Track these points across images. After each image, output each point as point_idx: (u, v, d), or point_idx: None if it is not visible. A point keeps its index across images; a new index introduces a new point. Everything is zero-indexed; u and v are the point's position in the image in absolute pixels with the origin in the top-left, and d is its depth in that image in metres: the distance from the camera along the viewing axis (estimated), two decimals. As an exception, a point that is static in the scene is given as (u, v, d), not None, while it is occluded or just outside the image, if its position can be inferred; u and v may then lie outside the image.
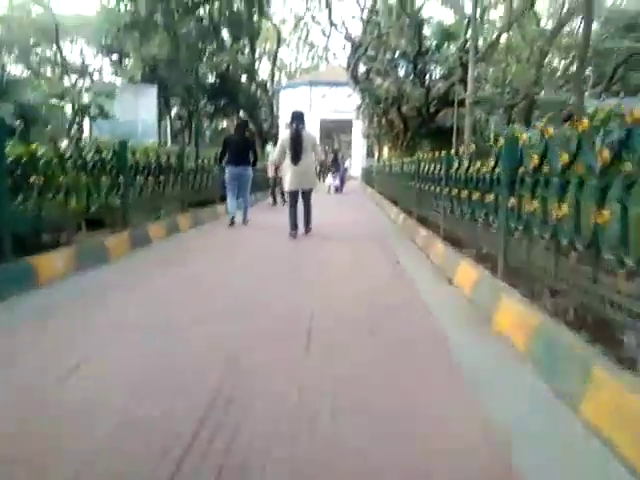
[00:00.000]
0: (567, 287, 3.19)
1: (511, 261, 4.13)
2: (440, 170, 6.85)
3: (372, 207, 14.54)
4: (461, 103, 24.73)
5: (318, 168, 8.47)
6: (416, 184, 8.76)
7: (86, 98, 14.11)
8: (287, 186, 7.53)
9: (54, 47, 25.27)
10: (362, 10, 29.52)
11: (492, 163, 4.66)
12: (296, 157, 7.16)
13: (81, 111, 13.30)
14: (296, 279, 4.93)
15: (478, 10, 28.18)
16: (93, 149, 6.21)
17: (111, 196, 6.59)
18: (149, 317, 3.56)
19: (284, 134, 7.67)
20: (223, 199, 10.18)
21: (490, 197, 4.62)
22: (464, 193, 5.53)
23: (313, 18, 28.01)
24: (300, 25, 36.14)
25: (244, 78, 23.56)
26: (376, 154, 35.12)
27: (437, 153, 7.24)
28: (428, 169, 7.72)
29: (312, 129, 38.18)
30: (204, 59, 17.98)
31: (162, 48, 16.50)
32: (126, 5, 17.73)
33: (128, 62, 17.49)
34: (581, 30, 32.04)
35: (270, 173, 12.68)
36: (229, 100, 19.21)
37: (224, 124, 30.30)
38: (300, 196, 7.54)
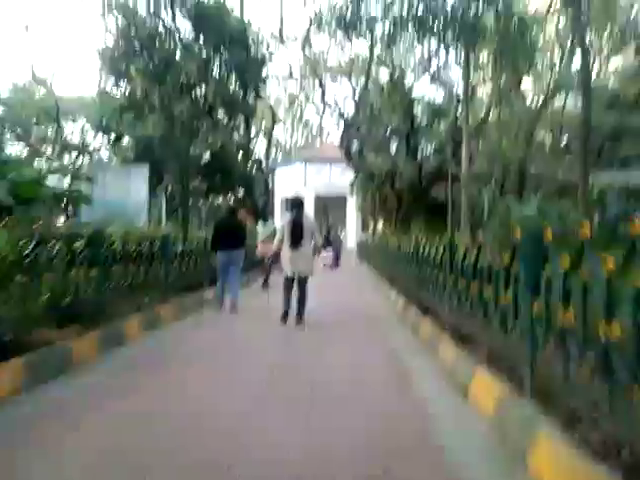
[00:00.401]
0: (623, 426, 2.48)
1: (541, 376, 3.43)
2: (442, 256, 6.29)
3: (369, 287, 13.88)
4: (454, 178, 24.90)
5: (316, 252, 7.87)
6: (416, 268, 8.19)
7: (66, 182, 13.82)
8: (284, 272, 7.44)
9: (55, 126, 25.61)
10: (354, 90, 30.42)
11: (507, 257, 4.05)
12: (295, 243, 7.09)
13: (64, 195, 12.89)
14: (285, 411, 3.85)
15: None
16: (61, 240, 5.61)
17: (83, 289, 5.95)
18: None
19: (284, 219, 7.69)
20: (213, 282, 9.75)
21: (507, 296, 3.99)
22: (474, 287, 4.91)
23: (307, 98, 28.81)
24: (295, 104, 37.23)
25: (239, 156, 23.65)
26: (371, 228, 35.02)
27: (437, 237, 6.77)
28: (429, 253, 7.17)
29: (307, 205, 38.56)
30: (198, 138, 17.98)
31: (156, 128, 16.48)
32: (123, 88, 18.02)
33: (123, 141, 17.49)
34: (567, 106, 33.10)
35: (260, 253, 12.11)
36: (223, 178, 19.05)
37: (220, 200, 30.21)
38: (296, 282, 7.35)
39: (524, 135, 29.03)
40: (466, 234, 15.00)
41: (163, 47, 17.90)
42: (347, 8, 16.92)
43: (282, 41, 26.51)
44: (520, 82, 25.80)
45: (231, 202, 24.74)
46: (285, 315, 7.28)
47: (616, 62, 31.88)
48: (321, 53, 29.93)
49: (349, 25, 16.34)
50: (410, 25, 15.81)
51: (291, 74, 28.79)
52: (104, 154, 21.67)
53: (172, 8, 17.45)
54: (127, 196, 14.32)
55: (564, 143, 33.99)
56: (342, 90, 30.52)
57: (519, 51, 15.85)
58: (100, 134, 20.12)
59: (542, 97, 30.64)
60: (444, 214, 29.00)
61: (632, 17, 24.10)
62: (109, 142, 19.64)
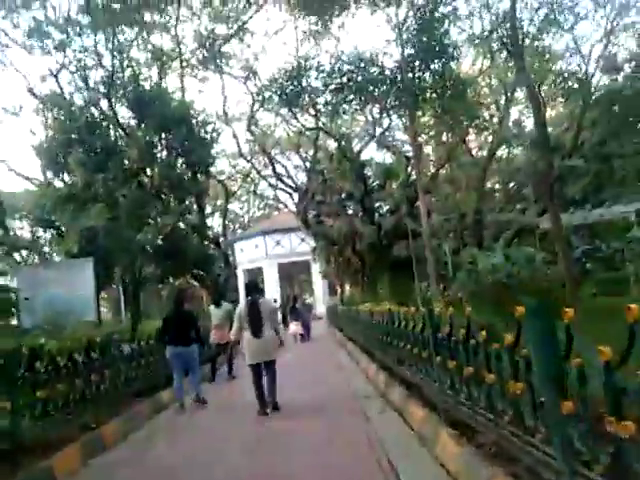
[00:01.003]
0: None
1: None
2: (424, 331, 5.47)
3: (345, 361, 12.80)
4: (414, 234, 24.74)
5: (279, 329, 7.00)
6: (394, 341, 7.35)
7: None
8: (248, 360, 6.99)
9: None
10: (304, 160, 30.55)
11: (510, 338, 3.27)
12: (256, 330, 6.74)
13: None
14: None
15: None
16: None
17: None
18: None
19: (240, 307, 7.32)
20: (170, 381, 8.61)
21: (517, 384, 3.18)
22: (468, 370, 4.10)
23: (259, 173, 28.57)
24: (247, 179, 37.11)
25: (194, 236, 22.78)
26: (338, 291, 34.23)
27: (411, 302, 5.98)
28: (406, 326, 6.35)
29: (271, 275, 37.72)
30: (148, 224, 17.08)
31: (99, 218, 15.53)
32: (62, 179, 17.14)
33: (68, 236, 16.39)
34: (509, 155, 34.25)
35: (214, 339, 10.71)
36: (177, 260, 18.04)
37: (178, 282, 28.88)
38: (263, 367, 7.04)
39: (475, 186, 29.60)
40: (436, 289, 14.37)
41: (103, 135, 17.33)
42: (288, 82, 16.98)
43: (227, 122, 26.56)
44: (465, 137, 26.50)
45: (181, 286, 23.63)
46: (262, 406, 6.95)
47: (553, 110, 33.64)
48: (268, 127, 30.25)
49: (291, 100, 16.27)
50: (351, 95, 15.87)
51: (240, 153, 28.68)
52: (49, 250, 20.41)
53: (108, 96, 16.99)
54: (73, 292, 13.11)
55: (513, 190, 34.88)
56: (293, 162, 30.47)
57: (460, 108, 16.07)
58: (43, 230, 18.96)
59: (487, 150, 31.76)
60: (407, 270, 28.65)
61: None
62: (51, 237, 18.49)
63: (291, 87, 16.19)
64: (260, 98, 18.40)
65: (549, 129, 33.56)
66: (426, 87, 15.38)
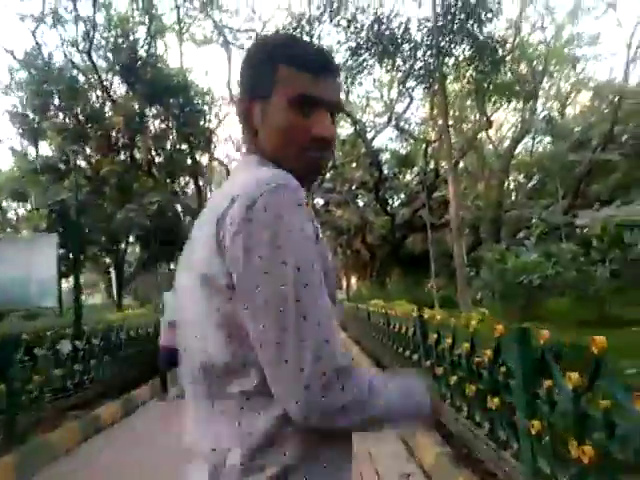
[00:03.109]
0: None
1: None
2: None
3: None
4: (433, 227, 22.58)
5: None
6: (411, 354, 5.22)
7: None
8: None
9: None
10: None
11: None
12: None
13: None
14: None
15: (433, 135, 27.51)
16: None
17: None
18: None
19: None
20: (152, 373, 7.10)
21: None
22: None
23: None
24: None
25: (187, 220, 20.67)
26: (344, 285, 32.14)
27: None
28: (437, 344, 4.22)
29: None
30: (132, 201, 14.93)
31: (74, 191, 13.40)
32: (37, 148, 15.11)
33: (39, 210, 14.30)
34: (533, 147, 31.77)
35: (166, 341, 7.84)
36: (167, 244, 15.91)
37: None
38: None
39: (497, 178, 27.27)
40: (466, 292, 12.12)
41: (84, 100, 15.18)
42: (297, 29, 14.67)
43: (232, 99, 24.35)
44: (490, 121, 24.11)
45: None
46: None
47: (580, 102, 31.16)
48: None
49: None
50: (371, 58, 13.60)
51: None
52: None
53: (89, 54, 14.78)
54: (29, 275, 10.98)
55: (533, 184, 32.45)
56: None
57: (497, 76, 13.63)
58: (16, 204, 16.96)
59: (510, 140, 29.37)
60: (420, 265, 26.48)
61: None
62: (20, 211, 16.54)
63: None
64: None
65: (578, 121, 31.13)
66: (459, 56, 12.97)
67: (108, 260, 19.14)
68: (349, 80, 14.80)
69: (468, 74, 12.79)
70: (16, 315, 10.05)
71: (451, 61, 12.90)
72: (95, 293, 38.05)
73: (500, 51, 12.19)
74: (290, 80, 0.85)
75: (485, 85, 12.74)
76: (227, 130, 60.02)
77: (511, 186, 32.83)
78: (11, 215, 17.86)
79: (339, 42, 13.19)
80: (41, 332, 7.17)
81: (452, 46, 12.21)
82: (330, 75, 0.87)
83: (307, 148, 0.85)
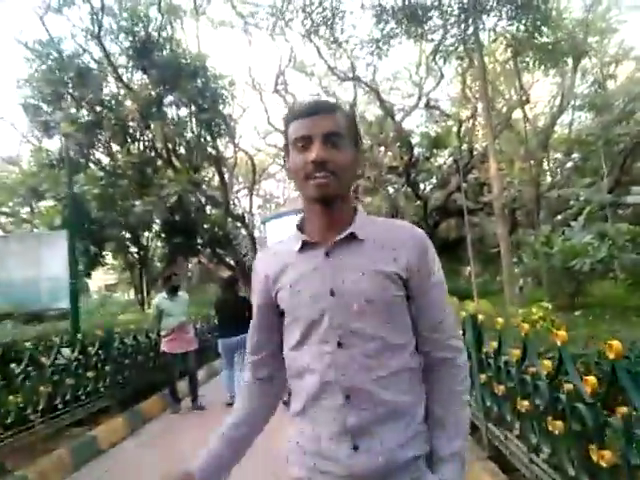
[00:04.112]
0: None
1: None
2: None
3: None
4: (468, 211, 21.10)
5: None
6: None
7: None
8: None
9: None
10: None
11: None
12: None
13: None
14: None
15: (466, 113, 25.89)
16: None
17: None
18: None
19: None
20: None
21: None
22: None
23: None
24: (279, 155, 33.97)
25: (213, 212, 19.79)
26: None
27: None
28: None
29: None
30: (152, 192, 14.05)
31: (91, 184, 12.63)
32: (52, 142, 14.34)
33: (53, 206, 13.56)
34: (576, 123, 29.65)
35: (169, 347, 6.84)
36: (188, 237, 15.03)
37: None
38: None
39: (535, 157, 25.44)
40: (514, 281, 10.80)
41: (97, 87, 14.35)
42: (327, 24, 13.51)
43: (254, 86, 23.34)
44: (528, 100, 22.30)
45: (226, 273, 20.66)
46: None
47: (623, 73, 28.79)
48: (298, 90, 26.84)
49: (318, 26, 12.77)
50: (398, 27, 12.27)
51: (269, 121, 25.39)
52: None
53: (99, 37, 13.83)
54: (38, 274, 10.22)
55: (573, 162, 30.33)
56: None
57: (535, 48, 12.06)
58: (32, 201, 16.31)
59: (547, 117, 27.43)
60: (458, 255, 25.06)
61: None
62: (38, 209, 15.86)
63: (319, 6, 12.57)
64: (282, 22, 14.71)
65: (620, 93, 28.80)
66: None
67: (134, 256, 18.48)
68: (375, 53, 13.52)
69: (509, 35, 11.31)
70: (15, 318, 9.27)
71: (489, 22, 11.43)
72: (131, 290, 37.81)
73: (543, 7, 10.65)
74: (290, 132, 1.19)
75: (527, 47, 11.21)
76: (251, 120, 59.37)
77: (549, 165, 30.81)
78: (24, 213, 17.26)
79: (362, 6, 11.87)
80: (32, 339, 6.29)
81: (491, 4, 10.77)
82: (315, 114, 1.16)
83: (307, 174, 1.15)
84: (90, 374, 5.87)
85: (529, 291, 15.49)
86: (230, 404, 6.39)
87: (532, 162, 25.23)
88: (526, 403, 2.79)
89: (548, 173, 30.10)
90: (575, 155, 29.37)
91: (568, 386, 2.29)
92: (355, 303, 1.14)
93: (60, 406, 5.19)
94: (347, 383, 1.13)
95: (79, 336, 6.41)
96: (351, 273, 1.15)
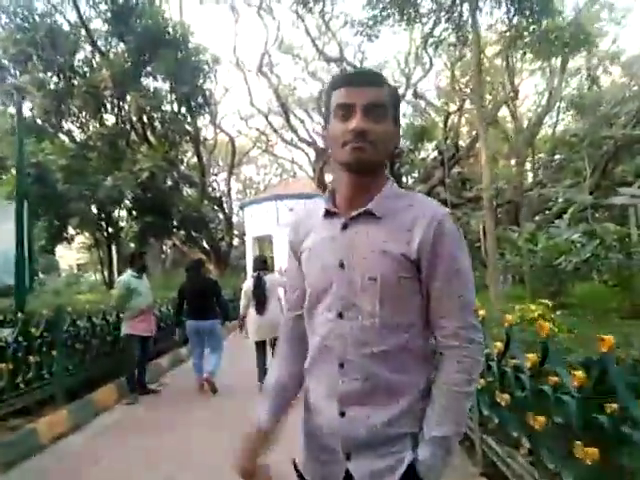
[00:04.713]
0: None
1: None
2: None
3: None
4: (453, 206, 20.82)
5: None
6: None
7: None
8: (252, 337, 6.50)
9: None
10: (322, 113, 26.26)
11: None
12: (261, 307, 6.36)
13: None
14: None
15: (453, 107, 25.52)
16: None
17: None
18: None
19: (247, 283, 6.76)
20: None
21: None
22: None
23: (270, 124, 24.56)
24: (261, 138, 33.21)
25: (189, 192, 19.00)
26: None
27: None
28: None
29: (281, 244, 34.11)
30: (122, 166, 13.19)
31: (57, 154, 11.75)
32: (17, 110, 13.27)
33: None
34: (559, 122, 29.60)
35: (136, 329, 6.28)
36: (160, 216, 14.25)
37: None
38: (269, 345, 6.40)
39: (519, 156, 25.28)
40: (497, 276, 10.45)
41: (69, 51, 13.35)
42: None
43: (238, 64, 22.50)
44: (517, 95, 22.01)
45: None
46: (262, 378, 6.06)
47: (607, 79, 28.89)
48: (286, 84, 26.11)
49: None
50: (390, 8, 11.67)
51: (252, 102, 24.57)
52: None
53: (75, 4, 12.78)
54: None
55: (556, 162, 30.37)
56: (311, 121, 26.43)
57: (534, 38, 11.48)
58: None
59: (533, 115, 27.26)
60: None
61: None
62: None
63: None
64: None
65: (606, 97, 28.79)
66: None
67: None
68: (364, 33, 12.89)
69: (506, 22, 10.78)
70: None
71: (486, 7, 10.91)
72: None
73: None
74: (333, 99, 1.19)
75: (523, 36, 10.67)
76: (234, 102, 58.21)
77: (533, 164, 30.80)
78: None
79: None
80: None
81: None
82: (360, 84, 1.17)
83: (345, 142, 1.15)
84: (32, 359, 5.20)
85: (509, 288, 15.27)
86: (202, 387, 6.37)
87: (516, 160, 25.08)
88: (542, 419, 2.29)
89: (530, 172, 30.10)
90: (558, 156, 29.40)
91: (612, 406, 1.77)
92: (359, 279, 1.17)
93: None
94: (341, 353, 1.18)
95: (20, 315, 5.66)
96: (361, 249, 1.18)
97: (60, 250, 22.74)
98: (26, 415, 5.01)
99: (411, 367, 1.19)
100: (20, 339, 5.11)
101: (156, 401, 6.23)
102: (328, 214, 1.24)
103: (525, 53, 13.32)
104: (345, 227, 1.20)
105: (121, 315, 6.50)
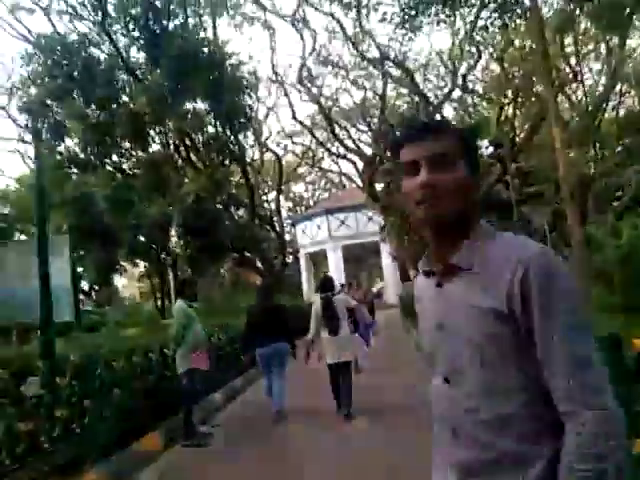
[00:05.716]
0: None
1: None
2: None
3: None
4: (510, 204, 19.24)
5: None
6: None
7: None
8: (327, 359, 6.27)
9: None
10: (369, 124, 25.39)
11: None
12: (333, 329, 6.21)
13: None
14: None
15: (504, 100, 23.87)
16: None
17: None
18: None
19: (316, 304, 6.50)
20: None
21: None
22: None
23: (314, 136, 23.85)
24: (307, 154, 32.71)
25: (236, 212, 18.49)
26: (412, 276, 29.14)
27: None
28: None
29: (335, 259, 33.18)
30: (168, 192, 12.75)
31: (101, 185, 11.41)
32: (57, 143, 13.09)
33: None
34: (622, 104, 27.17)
35: (185, 363, 5.55)
36: (209, 239, 13.67)
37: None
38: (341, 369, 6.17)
39: (581, 144, 23.23)
40: (589, 283, 8.98)
41: (105, 80, 13.11)
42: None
43: (276, 78, 22.02)
44: (575, 77, 20.17)
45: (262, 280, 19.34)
46: (339, 405, 6.12)
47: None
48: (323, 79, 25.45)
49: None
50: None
51: (294, 115, 23.98)
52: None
53: (103, 25, 12.48)
54: (35, 283, 8.96)
55: (621, 148, 27.89)
56: (356, 130, 25.61)
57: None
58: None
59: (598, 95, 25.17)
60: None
61: None
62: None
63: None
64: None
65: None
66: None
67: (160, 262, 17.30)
68: (406, 25, 11.87)
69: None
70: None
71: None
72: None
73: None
74: (401, 158, 1.14)
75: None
76: (278, 122, 58.34)
77: (596, 150, 28.42)
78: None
79: None
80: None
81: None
82: (420, 138, 1.11)
83: (417, 201, 1.08)
84: (60, 413, 4.45)
85: (595, 294, 13.22)
86: (276, 420, 6.09)
87: (578, 147, 23.08)
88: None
89: (593, 160, 27.79)
90: (626, 140, 26.96)
91: None
92: (457, 340, 1.10)
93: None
94: (452, 420, 1.12)
95: (44, 362, 4.94)
96: (454, 308, 1.11)
97: (124, 279, 22.91)
98: (60, 474, 4.26)
99: (533, 437, 1.03)
100: (42, 391, 4.39)
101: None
102: (426, 273, 1.20)
103: (586, 29, 11.86)
104: (439, 285, 1.15)
105: (169, 349, 5.84)
